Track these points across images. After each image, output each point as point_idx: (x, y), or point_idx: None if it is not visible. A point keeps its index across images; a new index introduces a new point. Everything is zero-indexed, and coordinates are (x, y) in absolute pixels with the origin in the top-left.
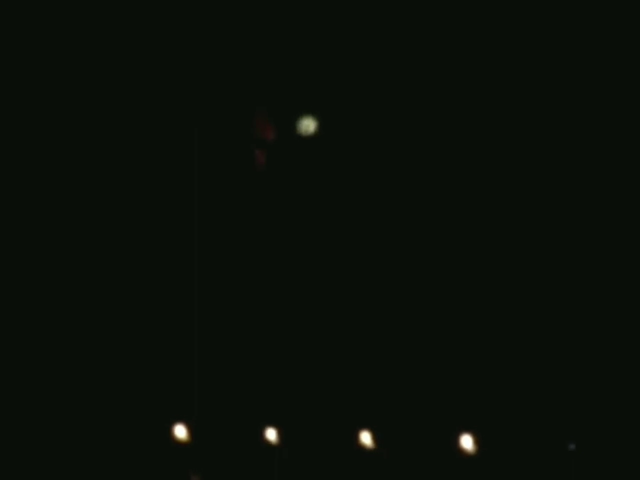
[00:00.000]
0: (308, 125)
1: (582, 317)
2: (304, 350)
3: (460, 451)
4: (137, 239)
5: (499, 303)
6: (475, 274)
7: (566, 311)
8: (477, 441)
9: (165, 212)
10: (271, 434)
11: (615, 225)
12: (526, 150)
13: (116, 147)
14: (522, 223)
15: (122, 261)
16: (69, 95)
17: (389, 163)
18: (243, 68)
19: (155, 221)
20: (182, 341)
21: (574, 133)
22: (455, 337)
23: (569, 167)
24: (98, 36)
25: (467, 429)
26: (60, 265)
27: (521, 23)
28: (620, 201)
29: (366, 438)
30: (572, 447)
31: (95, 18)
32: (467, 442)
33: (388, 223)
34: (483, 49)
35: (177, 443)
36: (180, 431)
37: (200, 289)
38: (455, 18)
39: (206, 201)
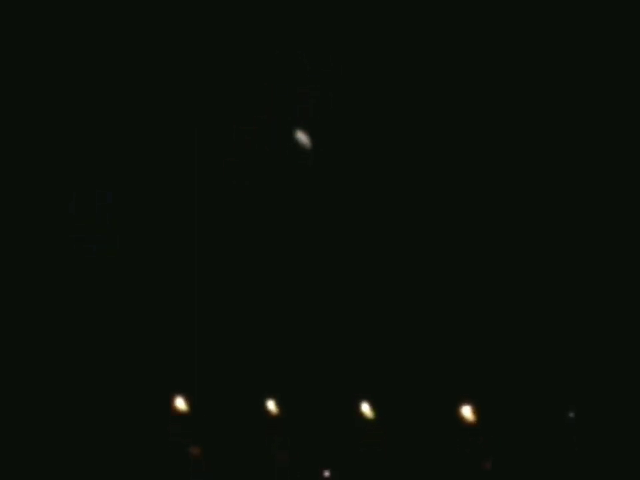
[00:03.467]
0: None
1: (581, 299)
2: (305, 326)
3: (460, 420)
4: (138, 237)
5: (499, 288)
6: (472, 262)
7: (566, 295)
8: (477, 411)
9: (165, 211)
10: (271, 405)
11: (615, 225)
12: (526, 150)
13: (116, 146)
14: (522, 222)
15: (124, 255)
16: (69, 95)
17: (390, 164)
18: (242, 68)
19: (155, 219)
20: (183, 319)
21: (574, 133)
22: (455, 317)
23: (569, 167)
24: (98, 36)
25: (467, 399)
26: (63, 261)
27: (522, 23)
28: (620, 201)
29: (366, 409)
30: (571, 415)
31: (95, 18)
32: (466, 411)
33: (388, 222)
34: (483, 49)
35: (177, 415)
36: (180, 403)
37: (199, 271)
38: (455, 18)
39: (206, 200)
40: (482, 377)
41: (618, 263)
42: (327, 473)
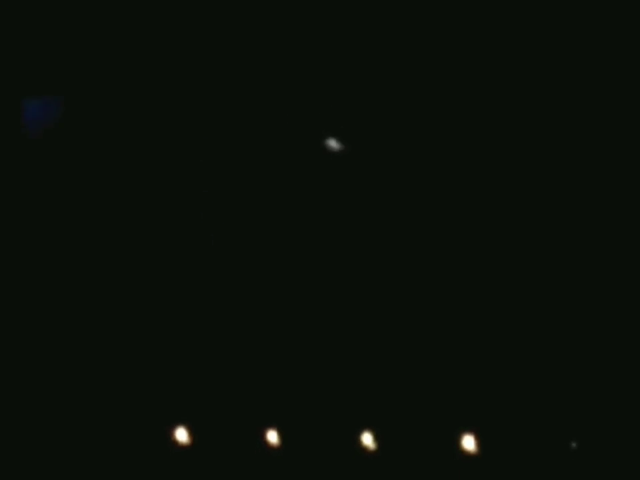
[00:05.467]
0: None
1: (582, 316)
2: (304, 351)
3: (462, 452)
4: (139, 241)
5: (500, 303)
6: (475, 273)
7: (566, 311)
8: (479, 442)
9: (168, 213)
10: (272, 436)
11: (614, 225)
12: (525, 151)
13: (116, 147)
14: (522, 223)
15: (123, 263)
16: (69, 95)
17: (389, 164)
18: (243, 68)
19: (156, 221)
20: (182, 344)
21: (574, 134)
22: (456, 338)
23: (569, 167)
24: (97, 35)
25: (469, 430)
26: (63, 265)
27: (521, 23)
28: (620, 201)
29: (367, 439)
30: (574, 445)
31: (95, 18)
32: (468, 442)
33: (389, 224)
34: (482, 49)
35: (178, 446)
36: (181, 434)
37: (200, 292)
38: (455, 18)
39: (207, 201)
40: (484, 405)
41: (618, 265)
42: None
